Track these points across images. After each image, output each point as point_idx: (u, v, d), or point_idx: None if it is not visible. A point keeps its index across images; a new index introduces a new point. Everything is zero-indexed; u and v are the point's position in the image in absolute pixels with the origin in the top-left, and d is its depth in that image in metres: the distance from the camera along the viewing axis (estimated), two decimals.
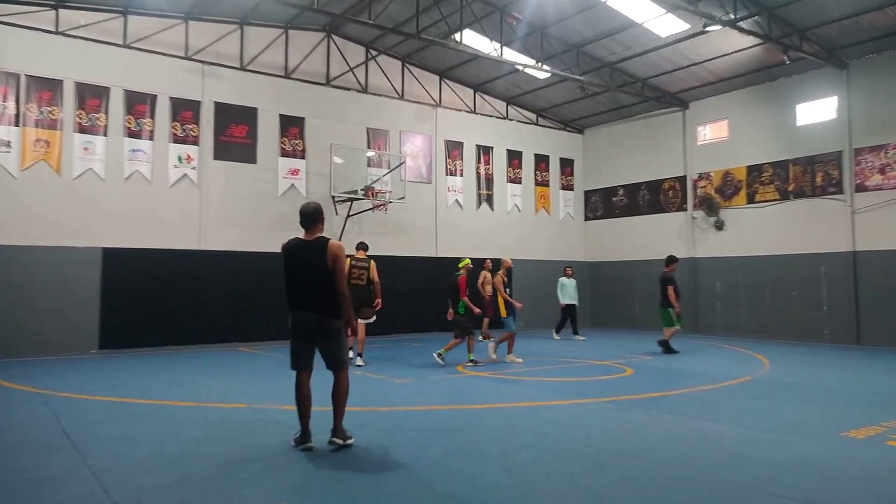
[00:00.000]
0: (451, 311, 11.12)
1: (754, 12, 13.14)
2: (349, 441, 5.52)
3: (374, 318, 11.22)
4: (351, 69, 16.65)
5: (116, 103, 13.50)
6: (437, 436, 6.02)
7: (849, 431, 6.09)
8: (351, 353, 10.31)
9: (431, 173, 18.04)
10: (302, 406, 5.62)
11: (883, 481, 4.70)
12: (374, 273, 11.07)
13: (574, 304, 16.34)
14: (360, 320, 10.63)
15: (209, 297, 14.07)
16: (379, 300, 10.98)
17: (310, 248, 5.55)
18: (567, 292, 16.28)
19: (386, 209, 16.15)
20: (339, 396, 5.58)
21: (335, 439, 5.48)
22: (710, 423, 6.52)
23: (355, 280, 10.77)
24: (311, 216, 5.67)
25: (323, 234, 5.68)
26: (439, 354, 10.89)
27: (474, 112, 19.09)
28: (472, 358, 11.08)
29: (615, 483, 4.64)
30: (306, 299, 5.52)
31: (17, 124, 12.45)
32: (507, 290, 11.82)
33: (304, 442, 5.51)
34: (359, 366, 10.71)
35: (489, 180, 19.25)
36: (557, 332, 16.33)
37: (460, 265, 11.39)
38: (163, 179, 13.95)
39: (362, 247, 11.47)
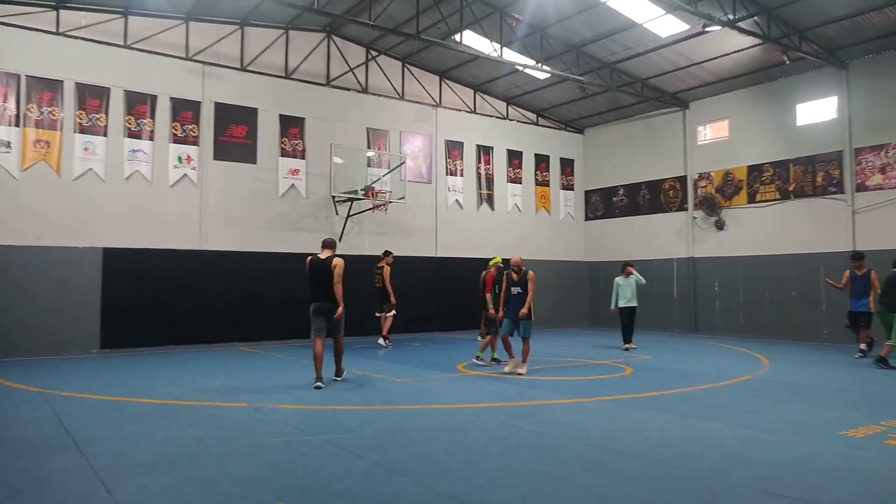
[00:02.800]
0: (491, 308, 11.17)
1: (754, 12, 13.14)
2: (346, 376, 9.05)
3: (392, 312, 13.83)
4: (351, 69, 16.66)
5: (117, 104, 13.51)
6: (437, 436, 6.03)
7: (848, 431, 6.10)
8: (381, 341, 13.77)
9: (431, 173, 18.04)
10: (317, 360, 8.52)
11: (882, 480, 4.71)
12: (384, 278, 13.71)
13: (630, 308, 13.61)
14: (377, 314, 13.96)
15: (209, 297, 14.07)
16: (391, 299, 13.67)
17: (324, 264, 8.69)
18: (623, 294, 13.63)
19: (386, 209, 16.16)
20: (339, 353, 9.02)
21: (337, 377, 8.92)
22: (710, 423, 6.53)
23: (377, 284, 13.84)
24: (332, 244, 9.04)
25: (333, 254, 8.82)
26: (493, 359, 11.02)
27: (474, 112, 19.09)
28: (494, 356, 11.11)
29: (615, 483, 4.65)
30: (321, 293, 8.62)
31: (17, 125, 12.46)
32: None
33: (318, 381, 8.42)
34: (380, 345, 13.58)
35: (489, 180, 19.26)
36: (625, 340, 13.65)
37: (490, 262, 11.48)
38: (163, 179, 13.96)
39: (384, 254, 14.13)
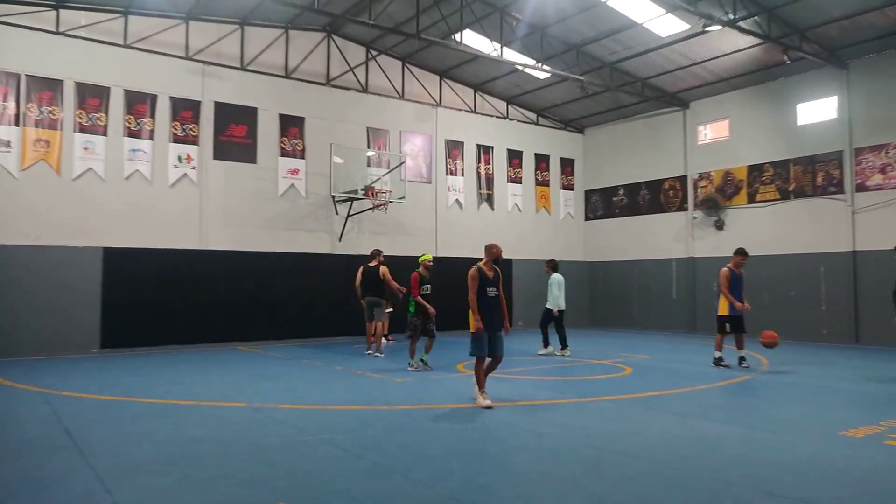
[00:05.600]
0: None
1: (754, 12, 13.14)
2: (378, 355, 11.92)
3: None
4: (351, 69, 16.65)
5: (117, 103, 13.51)
6: (437, 436, 6.03)
7: (847, 431, 6.10)
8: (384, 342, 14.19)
9: (431, 173, 18.04)
10: (375, 337, 12.01)
11: (881, 480, 4.71)
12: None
13: (549, 310, 12.46)
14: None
15: (209, 297, 14.07)
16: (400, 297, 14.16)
17: (373, 270, 12.12)
18: (549, 293, 12.58)
19: (386, 209, 16.14)
20: (380, 334, 12.12)
21: (369, 351, 12.14)
22: (710, 423, 6.54)
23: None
24: (375, 255, 12.30)
25: (378, 263, 12.15)
26: (410, 364, 10.36)
27: (474, 112, 19.08)
28: (423, 359, 10.41)
29: (615, 483, 4.65)
30: (371, 292, 11.98)
31: (17, 124, 12.45)
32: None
33: (376, 351, 11.99)
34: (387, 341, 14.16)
35: (489, 180, 19.25)
36: (545, 343, 12.53)
37: (420, 259, 10.80)
38: (163, 179, 13.96)
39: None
